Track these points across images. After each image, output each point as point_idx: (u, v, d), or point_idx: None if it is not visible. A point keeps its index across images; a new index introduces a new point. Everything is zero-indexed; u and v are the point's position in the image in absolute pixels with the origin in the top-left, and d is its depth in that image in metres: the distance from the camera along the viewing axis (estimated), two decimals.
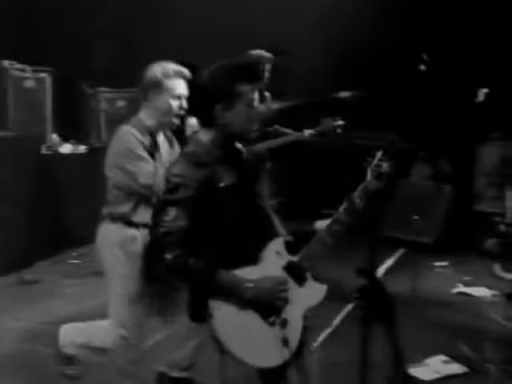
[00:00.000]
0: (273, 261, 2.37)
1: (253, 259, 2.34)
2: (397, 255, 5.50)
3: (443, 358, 3.68)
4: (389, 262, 5.44)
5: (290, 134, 4.91)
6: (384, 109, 5.73)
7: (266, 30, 6.61)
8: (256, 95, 2.36)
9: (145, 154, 3.15)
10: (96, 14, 6.75)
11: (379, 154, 2.55)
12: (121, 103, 6.49)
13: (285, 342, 2.29)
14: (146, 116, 3.20)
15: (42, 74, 5.92)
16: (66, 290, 4.73)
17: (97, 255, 3.36)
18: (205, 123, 2.43)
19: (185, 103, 3.19)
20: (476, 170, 6.29)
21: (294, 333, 2.34)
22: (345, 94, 5.06)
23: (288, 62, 5.68)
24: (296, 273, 2.38)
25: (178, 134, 3.40)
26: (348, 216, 2.37)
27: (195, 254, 2.24)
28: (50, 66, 5.99)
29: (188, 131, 3.74)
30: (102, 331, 3.33)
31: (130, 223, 3.20)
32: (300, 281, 2.40)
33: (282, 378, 2.40)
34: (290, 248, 2.43)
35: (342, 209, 2.39)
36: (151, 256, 2.30)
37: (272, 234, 2.42)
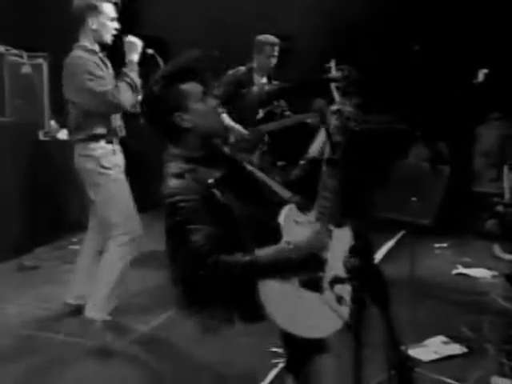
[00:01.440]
0: (294, 229, 2.30)
1: (272, 234, 2.27)
2: (396, 237, 5.50)
3: (443, 338, 3.68)
4: (389, 244, 5.44)
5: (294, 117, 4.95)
6: (380, 90, 5.69)
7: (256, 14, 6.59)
8: (203, 89, 2.34)
9: (103, 74, 3.59)
10: None
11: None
12: None
13: (339, 299, 2.22)
14: (87, 40, 3.63)
15: (39, 60, 5.88)
16: (66, 276, 4.72)
17: (81, 178, 3.78)
18: (172, 141, 2.40)
19: (116, 24, 3.67)
20: (475, 150, 6.27)
21: (344, 288, 2.22)
22: (336, 74, 5.04)
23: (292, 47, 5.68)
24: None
25: None
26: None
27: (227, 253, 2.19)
28: (46, 52, 5.96)
29: None
30: (108, 266, 3.71)
31: (108, 139, 3.69)
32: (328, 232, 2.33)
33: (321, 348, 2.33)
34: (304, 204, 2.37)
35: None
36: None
37: (278, 203, 2.34)
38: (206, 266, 2.16)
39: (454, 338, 3.70)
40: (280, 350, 3.65)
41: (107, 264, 3.79)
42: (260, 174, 2.45)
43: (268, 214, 2.32)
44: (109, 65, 3.80)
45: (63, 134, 5.99)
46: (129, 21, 3.86)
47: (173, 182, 2.27)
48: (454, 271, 5.06)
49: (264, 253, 2.22)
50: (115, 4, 3.67)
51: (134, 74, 3.63)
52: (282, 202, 2.37)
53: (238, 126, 4.94)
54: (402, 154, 6.06)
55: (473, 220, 5.91)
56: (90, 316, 3.79)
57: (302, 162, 2.57)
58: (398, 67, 5.74)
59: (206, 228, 2.20)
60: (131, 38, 3.66)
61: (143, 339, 3.81)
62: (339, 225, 2.39)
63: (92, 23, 3.62)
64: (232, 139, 4.93)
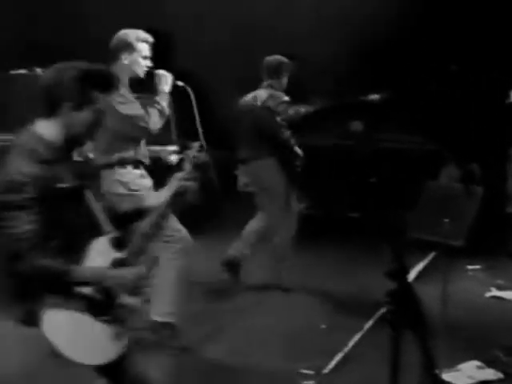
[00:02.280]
0: (96, 259, 2.35)
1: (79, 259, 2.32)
2: (428, 258, 5.43)
3: (477, 363, 3.61)
4: (420, 266, 5.37)
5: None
6: (412, 111, 5.67)
7: (280, 32, 6.64)
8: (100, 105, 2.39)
9: (134, 100, 3.82)
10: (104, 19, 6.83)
11: (196, 145, 2.61)
12: None
13: (119, 335, 2.32)
14: (119, 72, 3.78)
15: None
16: None
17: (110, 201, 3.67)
18: (48, 114, 2.40)
19: (149, 62, 3.90)
20: (507, 171, 6.19)
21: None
22: (374, 96, 5.04)
23: (304, 67, 5.72)
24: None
25: None
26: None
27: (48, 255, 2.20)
28: None
29: None
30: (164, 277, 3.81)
31: (136, 164, 3.86)
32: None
33: (123, 370, 2.44)
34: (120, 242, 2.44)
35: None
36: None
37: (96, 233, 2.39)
38: (23, 258, 2.16)
39: (489, 362, 3.63)
40: (309, 372, 3.65)
41: (162, 275, 3.86)
42: (94, 204, 2.48)
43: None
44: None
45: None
46: (161, 58, 4.04)
47: (27, 162, 2.23)
48: (488, 294, 4.97)
49: (81, 270, 2.27)
50: (150, 44, 3.91)
51: (164, 103, 3.87)
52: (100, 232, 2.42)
53: (298, 149, 5.09)
54: (434, 174, 6.01)
55: (506, 242, 5.81)
56: (155, 320, 3.91)
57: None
58: (432, 88, 5.72)
59: (32, 221, 2.18)
60: (162, 72, 3.92)
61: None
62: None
63: (125, 59, 3.84)
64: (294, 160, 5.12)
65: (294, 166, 5.12)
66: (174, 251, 3.90)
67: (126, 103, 3.76)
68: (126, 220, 2.62)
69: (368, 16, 6.54)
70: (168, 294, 3.93)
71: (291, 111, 5.08)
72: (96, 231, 2.40)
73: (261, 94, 5.06)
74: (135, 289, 2.35)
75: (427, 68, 5.95)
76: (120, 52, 3.85)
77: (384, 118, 4.85)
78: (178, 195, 2.59)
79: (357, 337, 4.16)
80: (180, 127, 6.08)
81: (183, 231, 3.97)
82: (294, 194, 5.24)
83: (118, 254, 2.41)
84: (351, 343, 4.07)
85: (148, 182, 3.98)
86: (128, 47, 3.84)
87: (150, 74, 3.93)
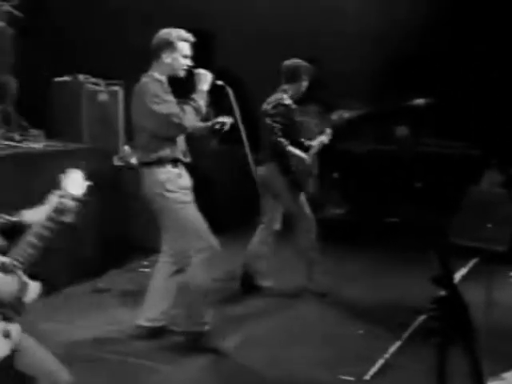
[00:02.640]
0: None
1: None
2: (470, 264, 5.35)
3: None
4: (462, 272, 5.30)
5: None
6: (455, 116, 5.60)
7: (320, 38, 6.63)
8: None
9: (169, 98, 3.82)
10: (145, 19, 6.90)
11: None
12: None
13: (7, 334, 2.36)
14: (156, 72, 3.89)
15: (115, 88, 6.07)
16: (136, 298, 4.80)
17: (149, 202, 3.95)
18: None
19: (189, 62, 3.93)
20: None
21: (15, 325, 2.41)
22: (419, 102, 5.00)
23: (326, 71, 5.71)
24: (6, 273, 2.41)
25: None
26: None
27: None
28: (121, 79, 6.14)
29: None
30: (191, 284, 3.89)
31: (174, 163, 3.88)
32: None
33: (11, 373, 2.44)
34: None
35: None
36: None
37: None
38: None
39: None
40: (349, 378, 3.63)
41: (191, 283, 3.93)
42: None
43: None
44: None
45: (136, 159, 6.13)
46: (202, 58, 4.09)
47: None
48: None
49: None
50: (191, 43, 3.96)
51: (201, 101, 3.90)
52: None
53: (299, 152, 4.95)
54: (476, 179, 5.94)
55: None
56: (188, 329, 3.98)
57: None
58: (476, 93, 5.65)
59: None
60: (201, 71, 3.96)
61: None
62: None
63: (166, 57, 3.88)
64: (294, 165, 4.98)
65: (294, 171, 4.98)
66: (201, 260, 3.90)
67: (161, 103, 3.79)
68: (12, 231, 2.63)
69: (404, 19, 6.50)
70: (196, 302, 3.96)
71: (334, 116, 5.09)
72: None
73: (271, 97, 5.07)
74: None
75: (468, 73, 5.87)
76: (161, 51, 3.90)
77: (428, 122, 4.81)
78: (57, 212, 2.60)
79: (397, 343, 4.13)
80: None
81: (212, 239, 3.97)
82: (302, 197, 5.11)
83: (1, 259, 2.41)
84: (392, 350, 4.03)
85: (186, 181, 4.01)
86: (169, 46, 3.89)
87: (191, 74, 3.96)
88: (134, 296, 4.90)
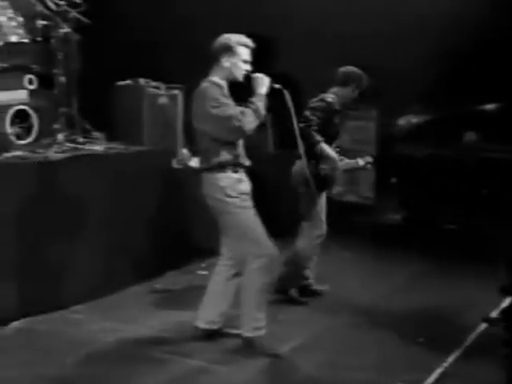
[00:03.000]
0: None
1: None
2: None
3: None
4: None
5: None
6: None
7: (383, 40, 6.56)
8: None
9: (229, 102, 3.86)
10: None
11: None
12: None
13: None
14: (216, 76, 3.94)
15: (175, 91, 6.16)
16: (194, 300, 4.85)
17: (210, 205, 3.98)
18: None
19: (249, 67, 3.97)
20: None
21: None
22: (490, 106, 4.90)
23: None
24: None
25: None
26: None
27: None
28: (181, 84, 6.22)
29: None
30: (250, 290, 3.91)
31: (234, 168, 3.92)
32: None
33: None
34: None
35: None
36: None
37: None
38: None
39: None
40: None
41: (249, 288, 3.95)
42: None
43: None
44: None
45: (195, 162, 6.19)
46: (261, 63, 4.12)
47: None
48: None
49: None
50: (251, 49, 4.00)
51: (260, 104, 3.90)
52: None
53: (331, 151, 4.89)
54: None
55: None
56: (245, 332, 3.99)
57: None
58: None
59: None
60: (259, 75, 3.98)
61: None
62: None
63: (225, 62, 3.93)
64: (327, 168, 4.93)
65: (319, 170, 4.89)
66: (259, 266, 3.91)
67: (219, 106, 3.81)
68: None
69: (470, 16, 6.36)
70: (253, 308, 3.97)
71: (402, 121, 5.05)
72: None
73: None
74: None
75: None
76: (220, 55, 3.95)
77: (498, 128, 4.69)
78: None
79: (457, 352, 4.05)
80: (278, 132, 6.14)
81: (271, 245, 3.98)
82: (322, 199, 5.08)
83: None
84: (451, 358, 3.96)
85: (246, 186, 4.03)
86: (228, 51, 3.93)
87: (249, 79, 3.99)
88: (191, 298, 4.95)
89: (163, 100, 6.05)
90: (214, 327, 4.17)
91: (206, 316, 4.17)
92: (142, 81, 6.04)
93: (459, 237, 6.72)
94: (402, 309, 4.88)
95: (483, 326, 4.35)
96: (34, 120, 4.91)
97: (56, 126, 5.16)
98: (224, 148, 3.91)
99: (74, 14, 5.42)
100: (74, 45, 5.46)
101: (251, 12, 7.16)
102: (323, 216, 5.09)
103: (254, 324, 3.97)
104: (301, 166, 4.71)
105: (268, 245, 3.95)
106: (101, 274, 5.02)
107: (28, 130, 4.89)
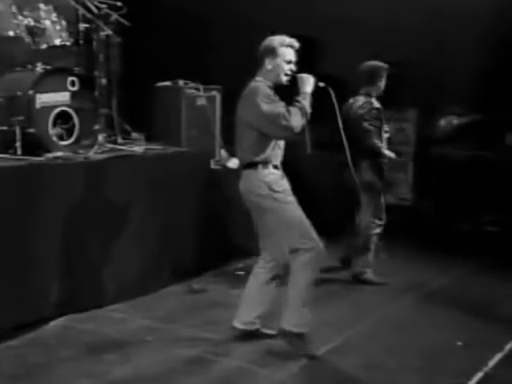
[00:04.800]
0: None
1: None
2: None
3: None
4: None
5: None
6: None
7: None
8: None
9: (278, 100, 3.85)
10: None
11: None
12: None
13: None
14: (262, 77, 3.95)
15: (213, 92, 6.19)
16: (231, 301, 4.87)
17: (251, 204, 3.99)
18: None
19: (293, 67, 3.96)
20: None
21: None
22: None
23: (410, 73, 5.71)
24: None
25: None
26: None
27: None
28: (219, 85, 6.25)
29: None
30: (296, 287, 3.89)
31: (275, 165, 3.95)
32: None
33: None
34: None
35: None
36: None
37: None
38: None
39: None
40: None
41: (295, 283, 3.92)
42: None
43: None
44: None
45: (233, 163, 6.21)
46: (307, 63, 4.10)
47: None
48: None
49: None
50: (296, 49, 3.98)
51: (306, 103, 3.90)
52: None
53: (388, 152, 5.35)
54: None
55: None
56: (288, 330, 3.96)
57: None
58: None
59: None
60: (303, 74, 3.98)
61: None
62: None
63: (268, 63, 3.95)
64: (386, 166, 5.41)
65: (382, 168, 5.43)
66: (305, 260, 3.89)
67: (271, 103, 3.82)
68: None
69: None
70: (299, 303, 3.94)
71: (443, 122, 5.08)
72: None
73: (357, 100, 5.42)
74: None
75: None
76: (264, 57, 3.97)
77: None
78: None
79: (498, 356, 3.99)
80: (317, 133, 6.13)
81: (318, 239, 3.95)
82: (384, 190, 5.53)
83: None
84: (492, 362, 3.91)
85: (287, 183, 4.05)
86: (271, 52, 3.94)
87: (295, 79, 3.98)
88: (229, 298, 4.98)
89: (202, 101, 6.08)
90: (251, 328, 4.18)
91: (243, 317, 4.19)
92: (180, 82, 6.08)
93: (501, 239, 6.62)
94: (443, 311, 4.83)
95: None
96: (76, 121, 4.98)
97: (96, 127, 5.23)
98: (269, 146, 3.94)
99: (115, 16, 5.50)
100: (114, 47, 5.54)
101: (296, 13, 7.13)
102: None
103: (298, 320, 3.94)
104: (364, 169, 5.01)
105: (315, 239, 3.92)
106: (140, 273, 5.08)
107: (69, 131, 4.96)
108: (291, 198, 3.99)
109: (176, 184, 5.41)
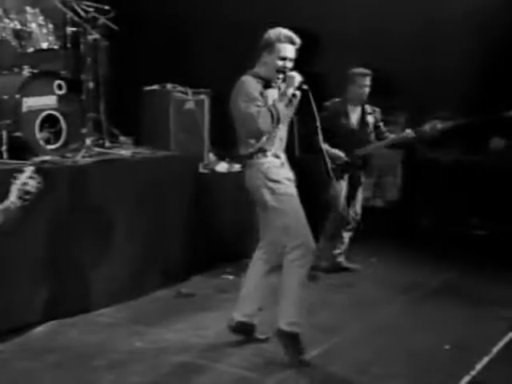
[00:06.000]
0: None
1: None
2: None
3: None
4: None
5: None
6: None
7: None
8: None
9: (259, 98, 3.78)
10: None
11: (29, 171, 2.41)
12: None
13: None
14: (259, 70, 3.90)
15: (202, 96, 6.19)
16: (220, 304, 4.87)
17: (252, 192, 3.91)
18: None
19: (289, 64, 3.85)
20: None
21: None
22: None
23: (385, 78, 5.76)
24: None
25: None
26: None
27: None
28: (206, 88, 6.25)
29: None
30: (287, 283, 3.84)
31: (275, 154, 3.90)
32: None
33: None
34: None
35: None
36: None
37: None
38: None
39: None
40: None
41: (287, 281, 3.86)
42: None
43: None
44: (273, 93, 3.91)
45: (221, 167, 6.21)
46: (306, 60, 3.99)
47: None
48: None
49: None
50: (296, 45, 3.87)
51: (280, 105, 3.78)
52: None
53: (334, 150, 5.49)
54: None
55: None
56: (282, 329, 3.89)
57: None
58: None
59: None
60: (292, 73, 3.85)
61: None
62: None
63: (264, 57, 3.90)
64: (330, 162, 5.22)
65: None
66: (294, 257, 3.83)
67: (247, 101, 3.76)
68: None
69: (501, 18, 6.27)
70: (292, 301, 3.88)
71: (427, 126, 5.07)
72: None
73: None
74: None
75: None
76: (262, 50, 3.90)
77: None
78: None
79: (485, 359, 4.00)
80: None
81: (310, 236, 3.88)
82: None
83: None
84: (479, 366, 3.91)
85: (289, 172, 4.00)
86: (268, 46, 3.86)
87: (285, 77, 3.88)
88: (217, 302, 4.97)
89: (190, 105, 6.08)
90: (251, 322, 4.12)
91: (245, 309, 4.11)
92: (169, 86, 6.08)
93: (489, 243, 6.65)
94: (431, 315, 4.84)
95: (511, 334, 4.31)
96: (63, 125, 4.96)
97: (84, 131, 5.21)
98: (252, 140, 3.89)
99: (102, 20, 5.48)
100: (102, 51, 5.53)
101: (287, 13, 7.08)
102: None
103: (291, 318, 3.87)
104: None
105: (306, 235, 3.85)
106: (127, 277, 5.05)
107: (57, 135, 4.94)
108: (290, 190, 3.90)
109: (164, 188, 5.39)
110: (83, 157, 4.96)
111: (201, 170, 6.02)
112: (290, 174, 4.00)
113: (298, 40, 3.86)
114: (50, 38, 5.25)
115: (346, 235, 5.85)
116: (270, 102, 3.83)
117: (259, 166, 3.88)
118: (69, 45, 5.47)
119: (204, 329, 4.44)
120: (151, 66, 6.81)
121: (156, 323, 4.56)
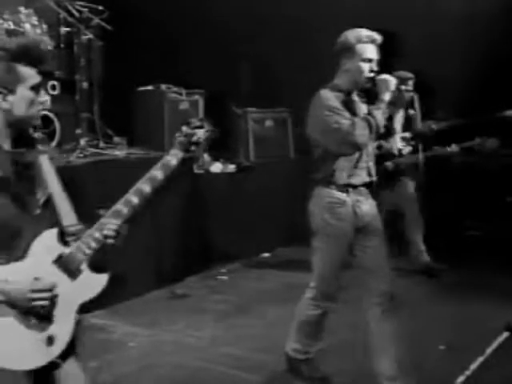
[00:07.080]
0: (41, 255, 2.24)
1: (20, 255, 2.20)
2: None
3: None
4: None
5: None
6: None
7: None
8: (39, 78, 2.25)
9: (344, 111, 3.34)
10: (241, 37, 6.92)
11: (196, 121, 2.32)
12: (268, 123, 6.67)
13: (50, 340, 2.18)
14: (340, 80, 3.42)
15: (196, 96, 6.18)
16: (213, 306, 4.86)
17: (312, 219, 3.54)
18: None
19: (375, 66, 3.36)
20: None
21: (63, 329, 2.23)
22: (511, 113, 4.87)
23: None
24: (67, 266, 2.27)
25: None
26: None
27: None
28: (200, 88, 6.24)
29: None
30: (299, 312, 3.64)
31: (339, 186, 3.39)
32: (72, 274, 2.28)
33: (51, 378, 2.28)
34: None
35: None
36: None
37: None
38: None
39: None
40: None
41: (296, 315, 3.71)
42: (57, 189, 2.38)
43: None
44: (361, 107, 3.48)
45: (216, 167, 6.21)
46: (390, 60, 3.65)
47: None
48: None
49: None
50: (377, 44, 3.39)
51: (378, 113, 3.33)
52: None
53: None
54: None
55: None
56: (286, 351, 3.74)
57: None
58: None
59: None
60: (384, 76, 3.38)
61: None
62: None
63: (344, 64, 3.40)
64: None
65: None
66: (307, 295, 3.63)
67: (332, 115, 3.29)
68: None
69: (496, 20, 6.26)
70: (298, 332, 3.71)
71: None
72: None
73: None
74: (30, 307, 2.13)
75: None
76: (340, 57, 3.40)
77: None
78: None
79: (479, 360, 4.01)
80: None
81: (333, 292, 3.64)
82: None
83: (65, 250, 2.29)
84: (473, 366, 3.92)
85: (349, 211, 3.44)
86: (347, 51, 3.35)
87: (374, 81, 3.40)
88: (211, 303, 4.97)
89: (184, 105, 6.07)
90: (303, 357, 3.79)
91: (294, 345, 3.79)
92: (163, 86, 6.07)
93: (482, 244, 6.65)
94: (426, 315, 4.84)
95: (505, 334, 4.31)
96: (57, 125, 4.95)
97: (78, 132, 5.20)
98: (335, 163, 3.38)
99: (96, 20, 5.47)
100: (96, 51, 5.52)
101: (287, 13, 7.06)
102: None
103: (296, 346, 3.71)
104: None
105: (330, 287, 3.60)
106: (122, 278, 5.03)
107: (50, 136, 4.93)
108: (339, 232, 3.43)
109: (158, 188, 5.37)
110: (77, 157, 4.95)
111: (195, 170, 6.01)
112: (351, 214, 3.44)
113: (378, 37, 3.37)
114: (44, 38, 5.23)
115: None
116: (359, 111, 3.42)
117: (320, 199, 3.47)
118: (62, 45, 5.46)
119: (198, 330, 4.44)
120: (145, 66, 6.80)
121: (150, 324, 4.56)
